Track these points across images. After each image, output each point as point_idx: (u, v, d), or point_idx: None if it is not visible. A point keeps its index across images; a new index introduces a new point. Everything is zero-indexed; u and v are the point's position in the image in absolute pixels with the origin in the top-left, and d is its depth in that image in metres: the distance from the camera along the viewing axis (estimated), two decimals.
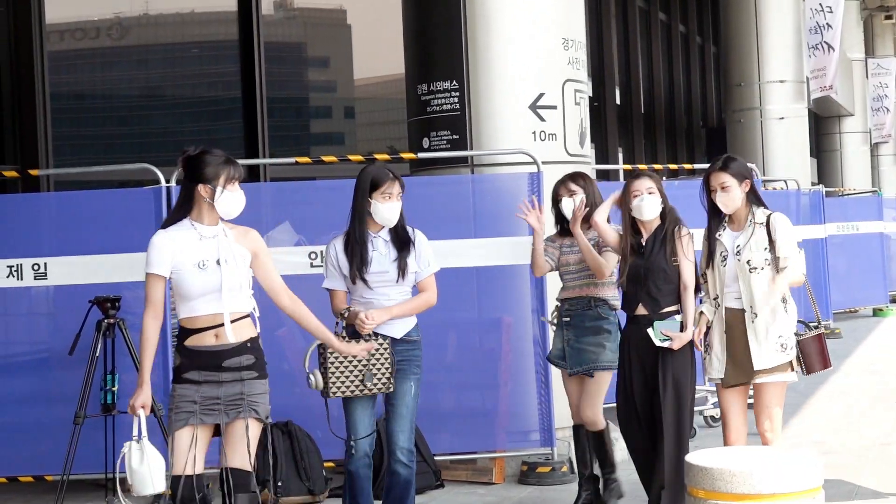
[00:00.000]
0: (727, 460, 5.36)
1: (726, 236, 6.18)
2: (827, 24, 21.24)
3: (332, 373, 5.79)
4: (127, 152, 12.11)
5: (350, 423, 5.97)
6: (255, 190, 8.98)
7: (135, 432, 5.19)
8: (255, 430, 5.28)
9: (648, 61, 22.44)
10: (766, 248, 6.05)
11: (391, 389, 5.88)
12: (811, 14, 21.03)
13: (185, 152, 5.28)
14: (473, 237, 7.84)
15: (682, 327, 6.35)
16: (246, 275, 5.27)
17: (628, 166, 15.69)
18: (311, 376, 5.82)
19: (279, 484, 7.37)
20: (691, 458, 5.21)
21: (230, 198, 5.20)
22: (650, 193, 6.43)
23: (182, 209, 5.26)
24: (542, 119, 8.06)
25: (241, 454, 5.26)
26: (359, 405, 5.94)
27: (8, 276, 7.58)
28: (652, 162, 20.80)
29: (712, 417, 9.52)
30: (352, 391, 5.81)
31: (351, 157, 8.69)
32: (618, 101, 20.24)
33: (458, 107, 8.15)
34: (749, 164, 11.28)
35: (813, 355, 6.21)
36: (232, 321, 5.19)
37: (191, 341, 5.20)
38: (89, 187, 8.55)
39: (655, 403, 6.34)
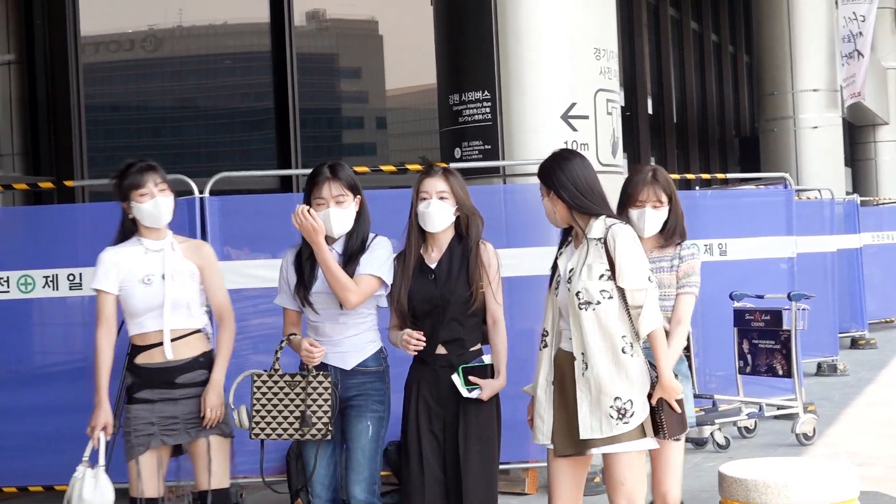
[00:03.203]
0: (762, 471, 5.34)
1: (564, 256, 4.79)
2: (860, 31, 21.14)
3: (258, 411, 5.00)
4: (161, 163, 12.17)
5: (306, 470, 5.15)
6: (288, 200, 9.01)
7: (86, 455, 5.11)
8: (219, 445, 5.18)
9: (680, 70, 22.39)
10: (603, 276, 4.58)
11: (329, 437, 4.98)
12: (844, 23, 20.92)
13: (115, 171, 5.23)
14: (505, 247, 7.82)
15: (492, 372, 5.12)
16: (194, 290, 5.17)
17: None
18: (235, 413, 5.11)
19: None
20: (725, 469, 5.19)
21: (142, 209, 5.13)
22: (441, 199, 5.08)
23: (125, 226, 5.23)
24: (574, 129, 8.05)
25: (214, 473, 5.15)
26: (308, 449, 5.10)
27: (44, 287, 7.64)
28: (685, 171, 20.74)
29: (746, 429, 9.48)
30: (279, 434, 4.98)
31: (383, 168, 8.71)
32: (650, 111, 20.21)
33: (489, 117, 8.15)
34: (781, 174, 11.18)
35: (672, 416, 4.70)
36: (180, 337, 5.12)
37: (140, 359, 5.13)
38: None
39: (449, 462, 5.07)
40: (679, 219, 5.30)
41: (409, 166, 8.22)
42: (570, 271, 4.67)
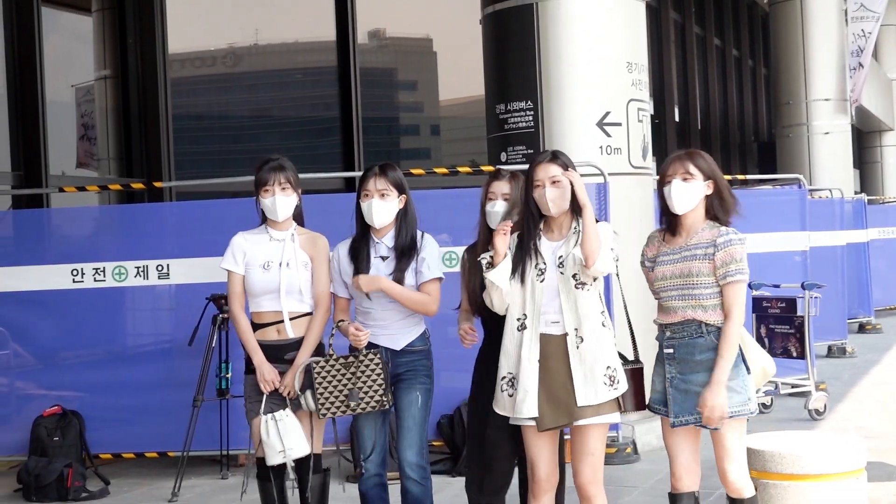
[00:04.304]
0: (778, 444, 5.27)
1: (544, 246, 4.62)
2: (865, 46, 20.89)
3: (321, 393, 4.90)
4: (239, 167, 12.22)
5: (358, 440, 5.12)
6: (352, 199, 9.01)
7: (262, 408, 5.01)
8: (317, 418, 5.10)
9: (704, 82, 22.19)
10: None
11: (386, 406, 4.92)
12: (853, 39, 20.66)
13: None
14: None
15: None
16: (306, 278, 5.13)
17: None
18: (302, 398, 4.99)
19: None
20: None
21: (264, 202, 5.14)
22: (506, 200, 5.04)
23: (262, 216, 5.24)
24: (608, 135, 7.99)
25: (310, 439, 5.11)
26: (364, 421, 5.03)
27: (136, 276, 7.69)
28: None
29: (763, 405, 9.36)
30: (342, 412, 4.90)
31: (437, 170, 8.69)
32: (677, 119, 20.05)
33: (532, 124, 8.11)
34: (795, 175, 10.99)
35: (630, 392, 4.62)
36: (291, 319, 5.08)
37: (257, 335, 5.12)
38: (206, 197, 8.64)
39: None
40: (720, 202, 4.60)
41: (459, 169, 8.19)
42: (559, 258, 4.55)
